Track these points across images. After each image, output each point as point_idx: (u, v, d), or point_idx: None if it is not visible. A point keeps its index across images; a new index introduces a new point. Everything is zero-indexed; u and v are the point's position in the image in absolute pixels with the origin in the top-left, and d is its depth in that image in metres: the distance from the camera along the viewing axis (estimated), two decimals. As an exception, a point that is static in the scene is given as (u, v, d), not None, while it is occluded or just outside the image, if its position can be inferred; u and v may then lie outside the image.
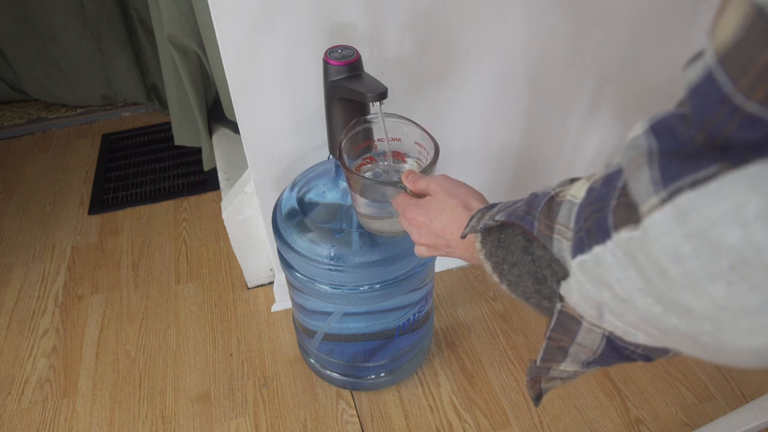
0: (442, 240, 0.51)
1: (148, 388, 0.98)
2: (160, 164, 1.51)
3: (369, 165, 0.66)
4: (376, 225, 0.66)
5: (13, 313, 1.13)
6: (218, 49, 0.72)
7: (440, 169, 0.98)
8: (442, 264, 1.15)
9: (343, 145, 0.62)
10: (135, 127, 1.66)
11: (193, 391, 0.97)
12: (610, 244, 0.28)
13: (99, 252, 1.25)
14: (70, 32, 1.54)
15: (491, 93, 0.89)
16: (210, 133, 1.30)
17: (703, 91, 0.24)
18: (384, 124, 0.63)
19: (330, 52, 0.65)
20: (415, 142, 0.64)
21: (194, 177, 1.45)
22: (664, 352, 0.33)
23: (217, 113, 1.33)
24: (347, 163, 0.62)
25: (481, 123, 0.93)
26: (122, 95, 1.70)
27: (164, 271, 1.19)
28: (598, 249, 0.29)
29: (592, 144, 1.03)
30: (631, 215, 0.27)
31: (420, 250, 0.55)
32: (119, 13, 1.53)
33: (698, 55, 0.25)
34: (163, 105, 1.68)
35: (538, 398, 0.43)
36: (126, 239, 1.28)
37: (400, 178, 0.57)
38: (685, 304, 0.25)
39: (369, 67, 0.66)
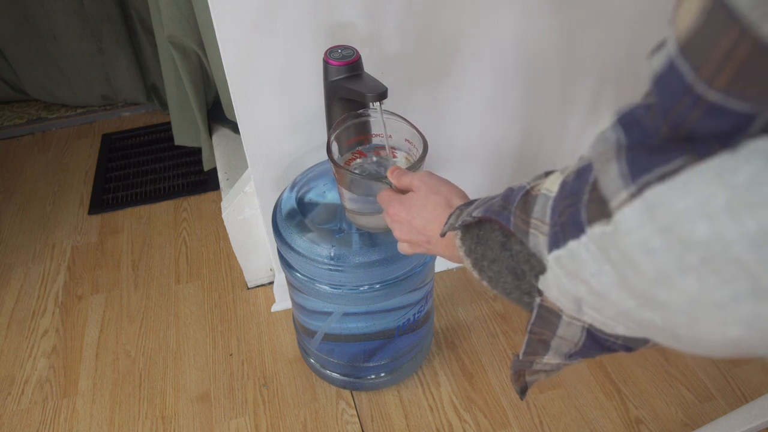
0: (423, 237, 0.50)
1: (148, 388, 0.98)
2: (160, 164, 1.51)
3: (359, 159, 0.66)
4: (362, 220, 0.66)
5: (13, 313, 1.13)
6: (218, 49, 0.72)
7: (440, 168, 0.99)
8: (442, 264, 1.15)
9: (332, 138, 0.62)
10: (135, 127, 1.66)
11: (193, 391, 0.97)
12: (584, 239, 0.28)
13: (99, 252, 1.25)
14: (70, 32, 1.54)
15: (491, 93, 0.89)
16: (210, 133, 1.30)
17: (667, 81, 0.24)
18: (384, 124, 0.63)
19: (330, 52, 0.65)
20: (405, 139, 0.64)
21: (194, 177, 1.45)
22: (644, 342, 0.33)
23: (217, 113, 1.33)
24: (336, 157, 0.62)
25: (481, 123, 0.93)
26: (122, 95, 1.70)
27: (164, 271, 1.19)
28: (572, 244, 0.29)
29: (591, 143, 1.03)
30: (603, 210, 0.26)
31: (402, 247, 0.55)
32: (119, 13, 1.53)
33: (661, 44, 0.25)
34: (163, 105, 1.68)
35: (523, 391, 0.43)
36: (126, 239, 1.28)
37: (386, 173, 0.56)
38: (659, 299, 0.25)
39: (369, 67, 0.66)
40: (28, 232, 1.32)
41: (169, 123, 1.56)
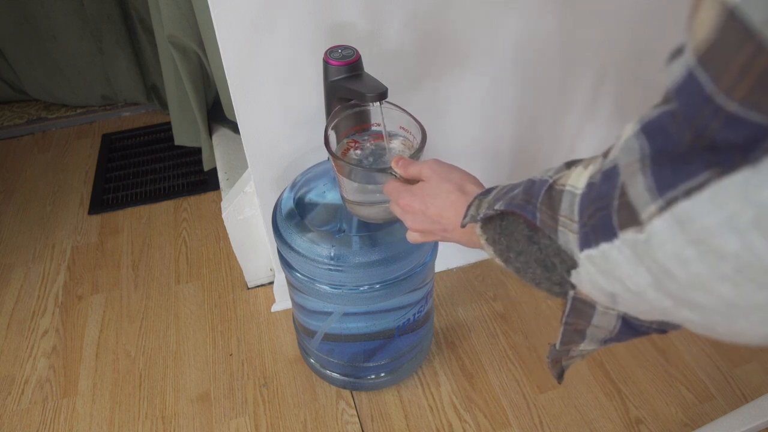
0: (439, 225, 0.50)
1: (148, 388, 0.98)
2: (160, 164, 1.51)
3: (356, 149, 0.66)
4: (364, 211, 0.66)
5: (13, 313, 1.13)
6: (218, 49, 0.72)
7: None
8: (442, 264, 1.15)
9: (329, 130, 0.61)
10: (135, 127, 1.66)
11: (193, 391, 0.97)
12: (617, 242, 0.28)
13: (99, 252, 1.25)
14: (70, 32, 1.54)
15: (490, 92, 0.89)
16: (210, 133, 1.30)
17: (687, 91, 0.24)
18: (383, 124, 0.63)
19: (330, 52, 0.65)
20: (401, 127, 0.64)
21: (194, 177, 1.45)
22: (677, 326, 0.34)
23: (217, 113, 1.33)
24: (334, 149, 0.62)
25: (480, 121, 0.93)
26: (122, 95, 1.70)
27: (164, 271, 1.19)
28: (604, 246, 0.30)
29: (591, 142, 1.03)
30: (634, 218, 0.27)
31: (413, 236, 0.55)
32: (119, 13, 1.53)
33: (679, 51, 0.25)
34: (163, 105, 1.68)
35: (560, 375, 0.44)
36: (126, 239, 1.28)
37: (390, 163, 0.56)
38: (696, 301, 0.26)
39: (369, 67, 0.66)
40: (28, 232, 1.32)
41: (169, 123, 1.56)
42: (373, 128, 0.66)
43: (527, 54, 0.86)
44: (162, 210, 1.36)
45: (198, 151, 1.45)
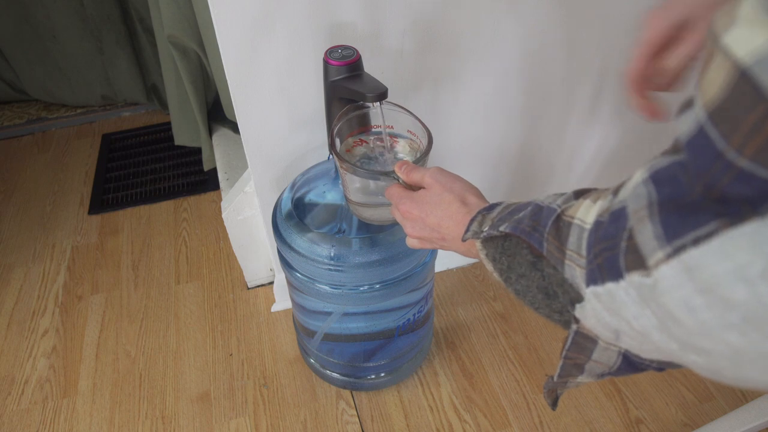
0: (438, 234, 0.50)
1: (148, 388, 0.98)
2: (160, 164, 1.51)
3: (361, 147, 0.66)
4: (367, 213, 0.66)
5: (13, 313, 1.13)
6: (218, 49, 0.72)
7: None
8: (442, 264, 1.15)
9: (336, 131, 0.61)
10: (135, 127, 1.66)
11: (193, 391, 0.97)
12: (623, 283, 0.29)
13: (99, 252, 1.25)
14: (70, 32, 1.54)
15: (491, 93, 0.89)
16: (210, 133, 1.30)
17: (698, 145, 0.25)
18: (384, 124, 0.63)
19: (330, 52, 0.65)
20: (408, 130, 0.64)
21: (194, 177, 1.45)
22: (679, 365, 0.34)
23: (217, 113, 1.33)
24: (339, 148, 0.62)
25: (481, 122, 0.93)
26: (122, 95, 1.70)
27: (164, 271, 1.19)
28: (611, 286, 0.30)
29: (591, 143, 1.03)
30: (641, 262, 0.27)
31: (412, 242, 0.55)
32: (119, 13, 1.53)
33: (688, 104, 0.26)
34: (163, 105, 1.68)
35: (554, 403, 0.44)
36: (126, 239, 1.28)
37: (391, 166, 0.56)
38: (703, 347, 0.26)
39: (369, 67, 0.66)
40: (28, 232, 1.32)
41: (169, 123, 1.56)
42: (380, 130, 0.66)
43: (528, 55, 0.86)
44: (162, 210, 1.36)
45: (198, 151, 1.45)
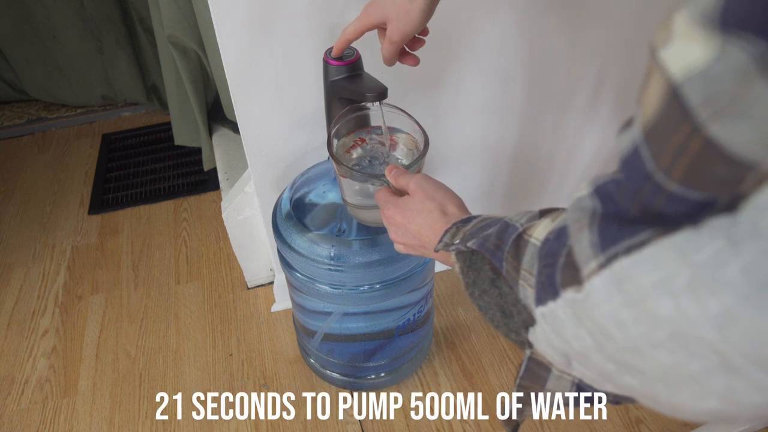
0: (418, 241, 0.50)
1: (148, 388, 0.98)
2: (160, 164, 1.51)
3: (360, 148, 0.66)
4: (363, 215, 0.66)
5: (13, 313, 1.13)
6: (218, 49, 0.72)
7: (439, 168, 0.99)
8: (442, 264, 1.15)
9: (333, 131, 0.61)
10: (135, 127, 1.66)
11: (193, 391, 0.97)
12: (560, 301, 0.28)
13: (99, 252, 1.25)
14: (70, 32, 1.54)
15: (490, 93, 0.89)
16: (210, 133, 1.30)
17: (632, 164, 0.24)
18: (384, 124, 0.63)
19: (330, 52, 0.65)
20: (406, 132, 0.64)
21: (194, 177, 1.45)
22: (631, 399, 0.33)
23: (217, 113, 1.33)
24: (335, 149, 0.62)
25: (480, 123, 0.93)
26: (122, 95, 1.70)
27: (164, 271, 1.19)
28: (551, 305, 0.29)
29: (589, 144, 1.03)
30: (575, 276, 0.26)
31: (398, 247, 0.55)
32: (119, 13, 1.53)
33: (629, 123, 0.25)
34: (163, 105, 1.68)
35: (514, 430, 0.43)
36: (126, 239, 1.28)
37: (383, 172, 0.56)
38: (636, 366, 0.25)
39: (369, 67, 0.66)
40: (28, 232, 1.32)
41: (169, 123, 1.56)
42: (379, 130, 0.67)
43: (527, 56, 0.86)
44: (162, 210, 1.36)
45: (198, 151, 1.45)
